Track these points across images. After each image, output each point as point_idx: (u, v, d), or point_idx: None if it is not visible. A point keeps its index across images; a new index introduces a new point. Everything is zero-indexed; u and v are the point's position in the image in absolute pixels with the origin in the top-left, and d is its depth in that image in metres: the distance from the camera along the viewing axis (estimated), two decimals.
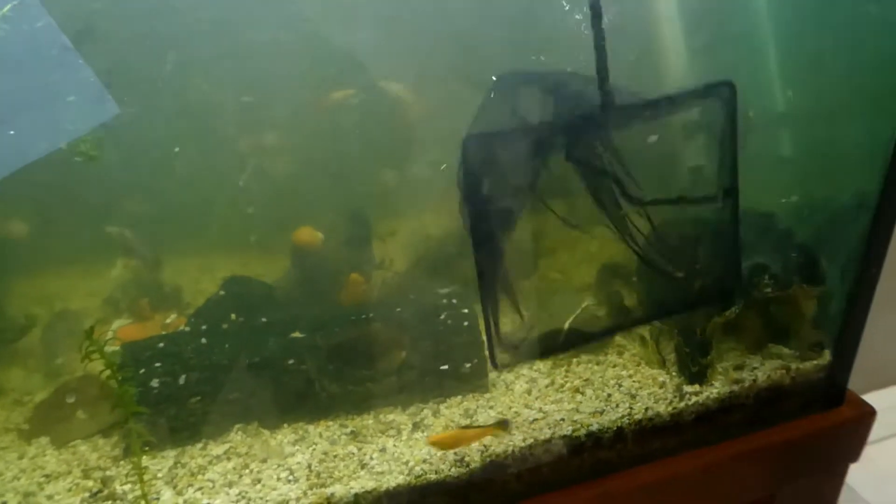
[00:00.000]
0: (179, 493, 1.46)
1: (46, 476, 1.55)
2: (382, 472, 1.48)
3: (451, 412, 1.70)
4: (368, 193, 2.03)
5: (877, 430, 1.82)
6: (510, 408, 1.68)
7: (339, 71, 1.80)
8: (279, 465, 1.53)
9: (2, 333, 1.89)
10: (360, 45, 1.68)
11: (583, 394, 1.71)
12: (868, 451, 1.84)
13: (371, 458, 1.54)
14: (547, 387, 1.76)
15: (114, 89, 1.26)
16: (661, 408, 1.65)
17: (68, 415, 1.70)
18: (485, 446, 1.54)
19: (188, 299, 2.07)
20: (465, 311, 1.81)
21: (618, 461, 1.61)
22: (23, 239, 1.83)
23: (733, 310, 1.69)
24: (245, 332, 1.83)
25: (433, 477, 1.47)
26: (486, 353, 1.49)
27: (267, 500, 1.41)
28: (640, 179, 1.47)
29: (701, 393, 1.69)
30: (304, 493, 1.43)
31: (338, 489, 1.43)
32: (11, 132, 1.19)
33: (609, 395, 1.70)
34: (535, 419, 1.61)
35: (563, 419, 1.61)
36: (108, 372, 1.33)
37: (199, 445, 1.63)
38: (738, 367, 1.78)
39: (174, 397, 1.64)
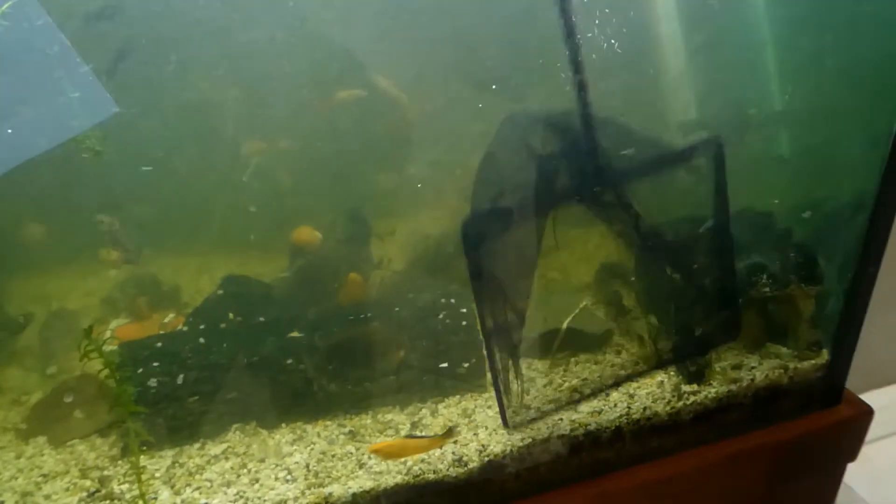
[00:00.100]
0: (177, 493, 1.46)
1: (44, 476, 1.55)
2: (381, 472, 1.48)
3: (449, 412, 1.70)
4: (368, 193, 2.03)
5: (874, 430, 1.82)
6: (508, 407, 1.68)
7: (343, 70, 1.80)
8: (277, 465, 1.53)
9: None
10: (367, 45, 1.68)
11: (581, 393, 1.71)
12: (866, 450, 1.84)
13: (369, 458, 1.53)
14: (545, 386, 1.76)
15: (113, 89, 1.26)
16: (660, 407, 1.65)
17: (66, 414, 1.70)
18: (483, 446, 1.54)
19: (186, 299, 2.07)
20: (464, 310, 1.81)
21: (616, 460, 1.61)
22: (24, 237, 1.83)
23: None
24: (243, 331, 1.83)
25: (431, 477, 1.47)
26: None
27: (265, 500, 1.41)
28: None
29: (699, 392, 1.69)
30: (302, 493, 1.42)
31: (336, 489, 1.43)
32: (10, 130, 1.19)
33: (607, 395, 1.70)
34: (534, 419, 1.61)
35: (561, 419, 1.61)
36: (106, 371, 1.33)
37: (197, 445, 1.63)
38: (736, 367, 1.78)
39: (172, 397, 1.64)
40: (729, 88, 2.12)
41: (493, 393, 1.74)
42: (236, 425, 1.68)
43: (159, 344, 1.74)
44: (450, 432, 1.53)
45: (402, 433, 1.63)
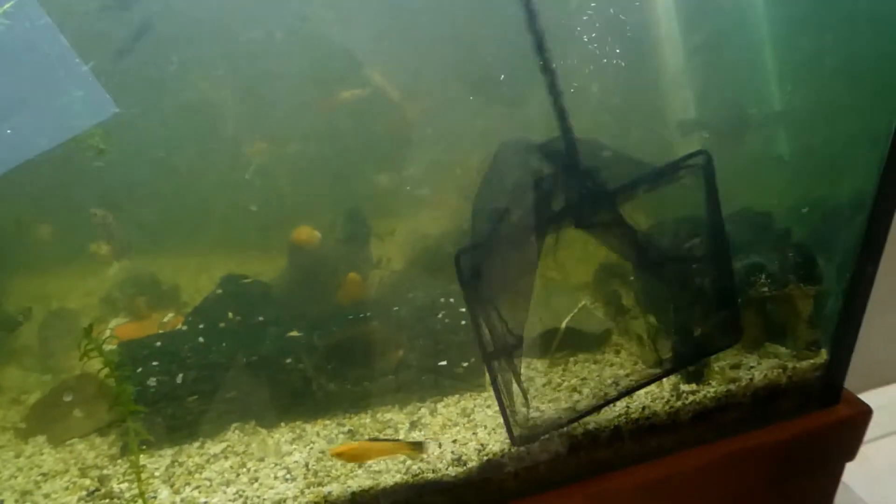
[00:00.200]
0: (176, 492, 1.46)
1: (43, 475, 1.55)
2: (380, 471, 1.48)
3: (448, 411, 1.70)
4: (367, 192, 2.04)
5: (873, 429, 1.82)
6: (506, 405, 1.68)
7: (341, 68, 1.80)
8: (276, 464, 1.53)
9: None
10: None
11: (580, 393, 1.71)
12: (864, 450, 1.84)
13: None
14: (544, 385, 1.76)
15: (111, 89, 1.26)
16: (658, 407, 1.65)
17: (65, 413, 1.70)
18: (482, 445, 1.54)
19: (186, 298, 2.07)
20: (462, 310, 1.81)
21: (615, 460, 1.61)
22: (23, 237, 1.83)
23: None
24: (242, 330, 1.83)
25: (430, 476, 1.47)
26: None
27: (264, 499, 1.41)
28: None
29: (698, 392, 1.69)
30: (302, 492, 1.43)
31: (335, 488, 1.43)
32: (9, 131, 1.19)
33: (605, 394, 1.70)
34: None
35: (559, 418, 1.61)
36: (106, 370, 1.33)
37: (197, 444, 1.63)
38: (735, 366, 1.78)
39: (171, 396, 1.65)
40: (728, 88, 2.12)
41: (492, 392, 1.74)
42: (235, 424, 1.68)
43: (158, 343, 1.74)
44: (420, 446, 1.51)
45: (401, 433, 1.63)
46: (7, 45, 1.20)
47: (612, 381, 1.74)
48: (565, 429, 1.55)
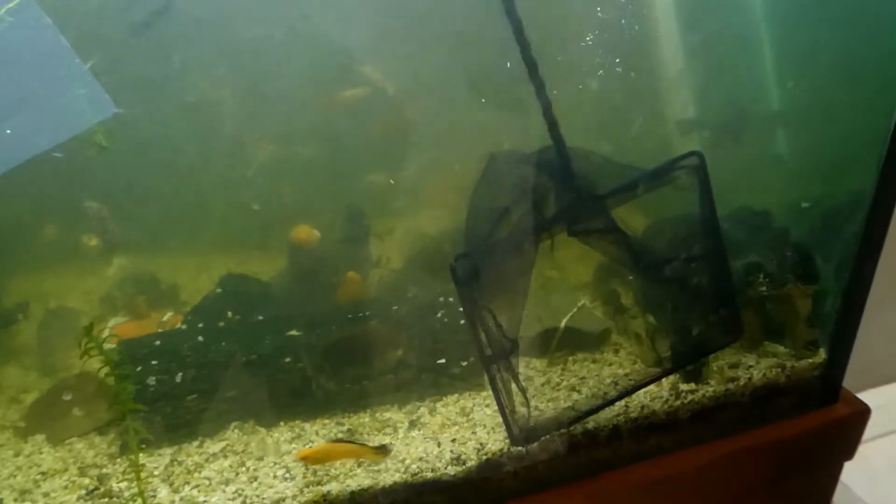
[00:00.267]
0: (176, 491, 1.46)
1: (43, 474, 1.55)
2: (379, 470, 1.48)
3: (447, 410, 1.70)
4: (366, 191, 2.04)
5: (871, 428, 1.83)
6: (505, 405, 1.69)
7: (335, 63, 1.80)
8: (276, 463, 1.53)
9: None
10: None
11: (579, 392, 1.71)
12: (863, 449, 1.85)
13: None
14: (543, 385, 1.76)
15: (108, 88, 1.26)
16: (657, 406, 1.65)
17: (64, 412, 1.70)
18: (481, 444, 1.54)
19: (185, 297, 2.07)
20: (462, 309, 1.81)
21: (614, 459, 1.61)
22: (22, 236, 1.82)
23: None
24: (242, 329, 1.83)
25: (430, 475, 1.47)
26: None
27: (263, 498, 1.42)
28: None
29: (697, 391, 1.69)
30: (301, 491, 1.43)
31: (334, 487, 1.43)
32: (8, 131, 1.19)
33: (605, 394, 1.70)
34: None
35: (559, 417, 1.61)
36: (106, 369, 1.33)
37: (196, 443, 1.63)
38: (734, 366, 1.78)
39: (171, 395, 1.65)
40: (727, 87, 2.12)
41: (491, 392, 1.75)
42: (235, 423, 1.68)
43: (158, 342, 1.74)
44: (384, 449, 1.51)
45: (400, 432, 1.63)
46: (6, 45, 1.20)
47: (612, 381, 1.74)
48: (564, 429, 1.56)
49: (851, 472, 1.91)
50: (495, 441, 1.55)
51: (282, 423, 1.69)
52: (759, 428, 1.72)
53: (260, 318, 1.88)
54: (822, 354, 1.81)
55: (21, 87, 1.22)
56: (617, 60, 1.78)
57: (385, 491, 1.45)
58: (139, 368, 1.66)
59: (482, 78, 1.64)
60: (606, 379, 1.76)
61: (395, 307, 1.88)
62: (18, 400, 1.83)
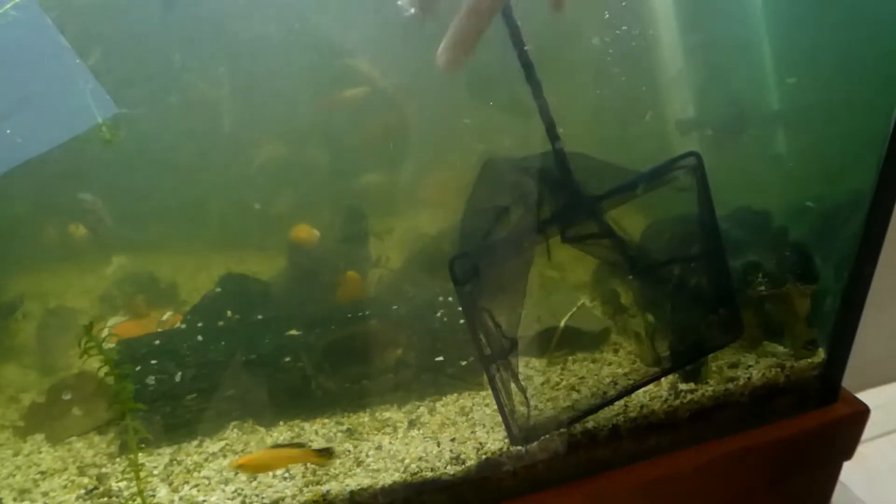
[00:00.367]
0: (175, 491, 1.46)
1: (42, 473, 1.55)
2: (378, 470, 1.48)
3: (447, 410, 1.70)
4: (365, 191, 2.04)
5: (870, 428, 1.83)
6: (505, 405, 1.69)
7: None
8: None
9: None
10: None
11: (578, 391, 1.71)
12: (862, 449, 1.85)
13: (367, 456, 1.54)
14: (543, 384, 1.76)
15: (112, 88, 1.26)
16: (657, 405, 1.65)
17: (64, 412, 1.70)
18: (481, 444, 1.54)
19: (184, 296, 2.07)
20: (461, 308, 1.81)
21: (613, 459, 1.61)
22: (21, 235, 1.82)
23: None
24: (241, 329, 1.83)
25: (429, 474, 1.47)
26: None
27: (263, 498, 1.41)
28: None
29: (696, 391, 1.69)
30: (300, 491, 1.43)
31: (333, 486, 1.43)
32: (8, 131, 1.19)
33: (605, 393, 1.70)
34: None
35: (559, 417, 1.61)
36: (105, 368, 1.33)
37: (195, 442, 1.63)
38: (733, 365, 1.78)
39: (170, 394, 1.65)
40: (726, 87, 2.12)
41: (490, 391, 1.75)
42: (234, 423, 1.68)
43: (157, 341, 1.74)
44: (328, 452, 1.50)
45: (399, 432, 1.64)
46: (5, 45, 1.20)
47: (611, 380, 1.75)
48: (564, 428, 1.56)
49: (850, 472, 1.91)
50: (495, 440, 1.55)
51: (281, 423, 1.69)
52: (759, 428, 1.72)
53: (259, 317, 1.88)
54: (821, 354, 1.81)
55: (21, 87, 1.22)
56: (617, 60, 1.79)
57: (384, 490, 1.45)
58: (138, 368, 1.66)
59: (483, 78, 1.63)
60: (606, 378, 1.76)
61: (394, 307, 1.88)
62: (17, 399, 1.83)
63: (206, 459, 1.57)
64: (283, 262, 2.04)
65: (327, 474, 1.48)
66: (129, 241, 1.92)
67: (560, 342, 1.90)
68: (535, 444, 1.53)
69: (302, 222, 1.98)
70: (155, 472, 1.53)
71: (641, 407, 1.64)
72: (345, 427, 1.66)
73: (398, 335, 1.79)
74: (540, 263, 1.52)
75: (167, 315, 1.99)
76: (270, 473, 1.49)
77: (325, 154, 1.98)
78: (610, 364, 1.84)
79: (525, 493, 1.54)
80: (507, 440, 1.54)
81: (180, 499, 1.43)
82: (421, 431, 1.62)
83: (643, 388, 1.66)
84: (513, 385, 1.51)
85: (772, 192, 2.00)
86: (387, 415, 1.71)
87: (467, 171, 1.48)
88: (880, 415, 1.87)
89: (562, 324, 1.92)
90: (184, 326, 1.84)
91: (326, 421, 1.69)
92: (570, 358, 1.88)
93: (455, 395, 1.76)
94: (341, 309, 1.89)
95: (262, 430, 1.67)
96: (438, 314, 1.83)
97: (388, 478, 1.46)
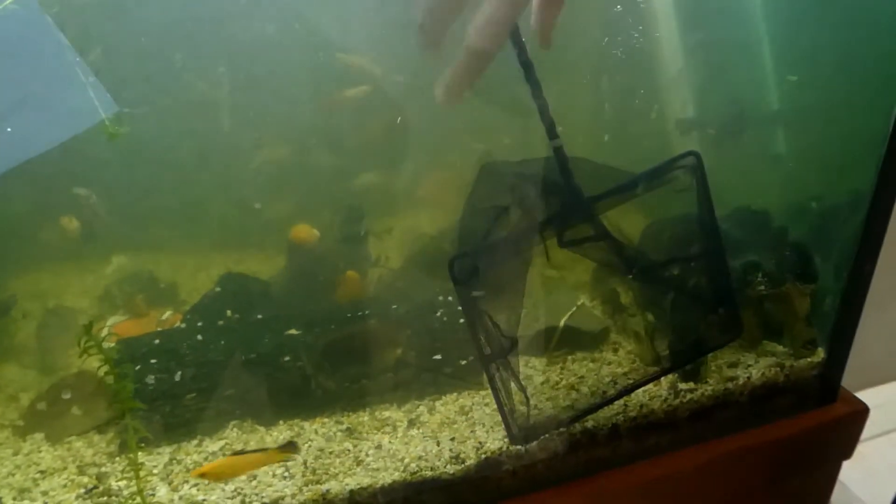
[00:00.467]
0: (175, 490, 1.46)
1: (41, 472, 1.55)
2: (378, 469, 1.48)
3: (446, 409, 1.70)
4: (365, 190, 2.04)
5: (870, 428, 1.83)
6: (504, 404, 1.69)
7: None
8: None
9: None
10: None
11: (578, 391, 1.72)
12: (861, 448, 1.85)
13: (367, 455, 1.54)
14: (542, 384, 1.76)
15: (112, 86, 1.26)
16: (656, 405, 1.65)
17: (63, 411, 1.70)
18: (480, 443, 1.54)
19: (184, 296, 2.07)
20: (461, 307, 1.81)
21: (613, 458, 1.61)
22: (20, 234, 1.82)
23: None
24: (241, 328, 1.83)
25: (429, 474, 1.47)
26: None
27: (262, 497, 1.41)
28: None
29: (695, 390, 1.69)
30: (300, 490, 1.43)
31: (333, 486, 1.43)
32: (9, 129, 1.19)
33: (604, 393, 1.70)
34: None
35: (558, 417, 1.61)
36: (105, 368, 1.33)
37: (195, 442, 1.63)
38: (733, 365, 1.79)
39: (170, 394, 1.64)
40: (726, 87, 2.12)
41: (490, 390, 1.75)
42: (234, 422, 1.68)
43: (157, 341, 1.74)
44: (291, 446, 1.48)
45: (399, 431, 1.64)
46: (5, 43, 1.20)
47: (611, 380, 1.75)
48: (563, 427, 1.56)
49: (850, 472, 1.92)
50: (494, 440, 1.55)
51: (281, 422, 1.69)
52: (758, 427, 1.72)
53: (259, 316, 1.88)
54: (820, 354, 1.81)
55: (20, 86, 1.22)
56: (618, 60, 1.79)
57: (384, 489, 1.45)
58: (138, 367, 1.66)
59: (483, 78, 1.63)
60: (605, 378, 1.77)
61: (393, 306, 1.88)
62: (17, 398, 1.83)
63: (205, 459, 1.57)
64: (283, 262, 2.04)
65: (327, 473, 1.48)
66: (129, 241, 1.93)
67: (560, 341, 1.90)
68: (534, 443, 1.53)
69: (302, 222, 1.98)
70: (155, 471, 1.53)
71: (641, 406, 1.64)
72: (344, 426, 1.66)
73: (398, 334, 1.79)
74: (539, 263, 1.52)
75: (167, 314, 1.99)
76: (270, 473, 1.49)
77: (326, 154, 1.99)
78: (609, 363, 1.84)
79: (525, 493, 1.54)
80: (506, 439, 1.54)
81: (180, 498, 1.43)
82: (420, 431, 1.62)
83: (643, 388, 1.66)
84: (512, 384, 1.51)
85: (771, 191, 2.00)
86: (386, 414, 1.71)
87: (467, 171, 1.48)
88: (879, 414, 1.87)
89: (561, 323, 1.92)
90: (183, 326, 1.84)
91: (326, 420, 1.69)
92: (570, 357, 1.88)
93: (455, 394, 1.76)
94: (341, 308, 1.89)
95: (262, 429, 1.67)
96: (438, 313, 1.83)
97: (388, 477, 1.46)
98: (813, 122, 1.94)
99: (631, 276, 1.62)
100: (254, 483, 1.46)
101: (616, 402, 1.63)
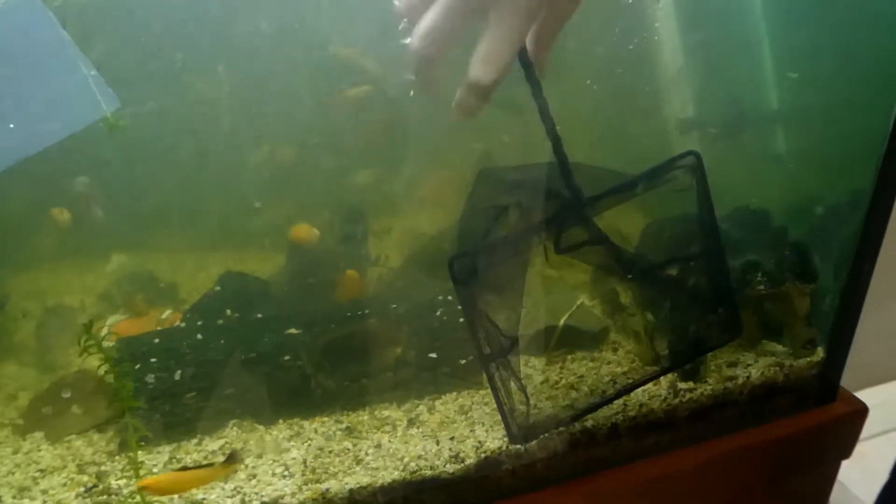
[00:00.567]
0: None
1: (41, 471, 1.55)
2: (377, 468, 1.49)
3: (446, 408, 1.70)
4: (364, 190, 2.04)
5: (869, 427, 1.83)
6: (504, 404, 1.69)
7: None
8: (274, 461, 1.53)
9: None
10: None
11: (577, 390, 1.72)
12: (860, 448, 1.85)
13: (366, 454, 1.54)
14: (542, 383, 1.76)
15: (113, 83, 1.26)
16: (656, 404, 1.65)
17: (63, 410, 1.70)
18: (480, 442, 1.54)
19: (184, 295, 2.07)
20: (461, 307, 1.81)
21: (612, 458, 1.62)
22: (19, 234, 1.82)
23: None
24: (241, 328, 1.83)
25: (428, 473, 1.47)
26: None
27: (262, 496, 1.42)
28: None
29: (695, 390, 1.69)
30: (299, 489, 1.43)
31: (333, 485, 1.43)
32: (11, 125, 1.19)
33: (604, 392, 1.70)
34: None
35: (558, 416, 1.61)
36: (105, 367, 1.33)
37: (195, 441, 1.63)
38: (732, 364, 1.79)
39: (170, 393, 1.65)
40: (726, 86, 2.13)
41: (489, 390, 1.75)
42: (234, 421, 1.68)
43: (157, 340, 1.74)
44: (232, 457, 1.46)
45: (399, 430, 1.64)
46: (5, 41, 1.19)
47: (610, 379, 1.75)
48: (563, 427, 1.56)
49: (849, 471, 1.92)
50: (494, 439, 1.55)
51: (281, 421, 1.69)
52: (757, 426, 1.72)
53: (259, 316, 1.88)
54: (820, 353, 1.81)
55: (22, 82, 1.22)
56: (617, 60, 1.78)
57: (384, 489, 1.45)
58: (138, 366, 1.66)
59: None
60: (605, 377, 1.77)
61: (393, 305, 1.88)
62: (17, 397, 1.83)
63: (205, 457, 1.57)
64: (283, 261, 2.04)
65: (326, 472, 1.48)
66: (129, 240, 1.93)
67: (559, 341, 1.90)
68: (534, 442, 1.53)
69: (301, 221, 1.98)
70: (154, 470, 1.53)
71: (640, 406, 1.64)
72: (344, 425, 1.66)
73: (397, 334, 1.79)
74: (539, 263, 1.52)
75: (166, 313, 1.99)
76: (270, 472, 1.49)
77: (326, 153, 1.98)
78: (609, 363, 1.84)
79: (524, 492, 1.54)
80: (506, 439, 1.54)
81: (180, 497, 1.43)
82: (420, 430, 1.62)
83: (642, 387, 1.66)
84: (512, 384, 1.51)
85: (771, 191, 2.00)
86: (386, 413, 1.71)
87: (467, 171, 1.48)
88: (879, 414, 1.87)
89: (561, 323, 1.92)
90: (183, 325, 1.84)
91: (326, 419, 1.69)
92: (570, 357, 1.88)
93: (454, 393, 1.76)
94: (341, 307, 1.89)
95: (262, 428, 1.67)
96: (438, 313, 1.83)
97: (388, 476, 1.46)
98: (813, 121, 1.94)
99: (630, 278, 1.62)
100: (253, 482, 1.46)
101: (615, 402, 1.63)
